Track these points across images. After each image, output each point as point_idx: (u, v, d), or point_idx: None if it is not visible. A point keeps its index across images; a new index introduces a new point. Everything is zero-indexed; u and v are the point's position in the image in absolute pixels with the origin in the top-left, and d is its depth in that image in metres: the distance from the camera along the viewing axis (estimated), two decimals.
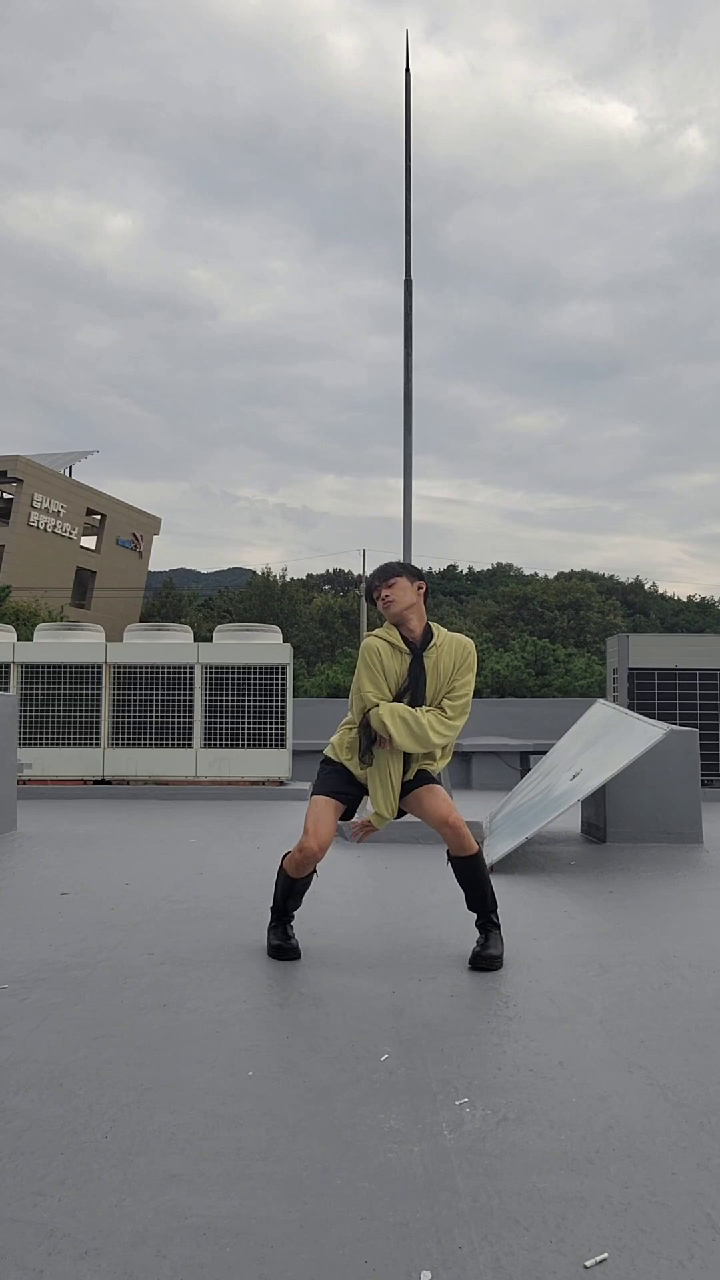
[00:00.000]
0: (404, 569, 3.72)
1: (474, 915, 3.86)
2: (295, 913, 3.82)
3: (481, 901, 3.64)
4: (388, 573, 3.70)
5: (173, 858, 5.75)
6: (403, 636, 3.64)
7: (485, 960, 3.50)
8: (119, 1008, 3.01)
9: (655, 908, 4.49)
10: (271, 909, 3.75)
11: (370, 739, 3.59)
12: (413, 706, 3.57)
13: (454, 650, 3.66)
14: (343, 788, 3.65)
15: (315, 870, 3.64)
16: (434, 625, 3.70)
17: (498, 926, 3.65)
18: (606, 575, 72.19)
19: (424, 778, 3.66)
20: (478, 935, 3.66)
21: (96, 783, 9.52)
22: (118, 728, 9.52)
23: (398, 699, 3.59)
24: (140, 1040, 2.73)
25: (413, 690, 3.60)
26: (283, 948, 3.59)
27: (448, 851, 3.63)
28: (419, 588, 3.68)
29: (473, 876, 3.62)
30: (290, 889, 3.66)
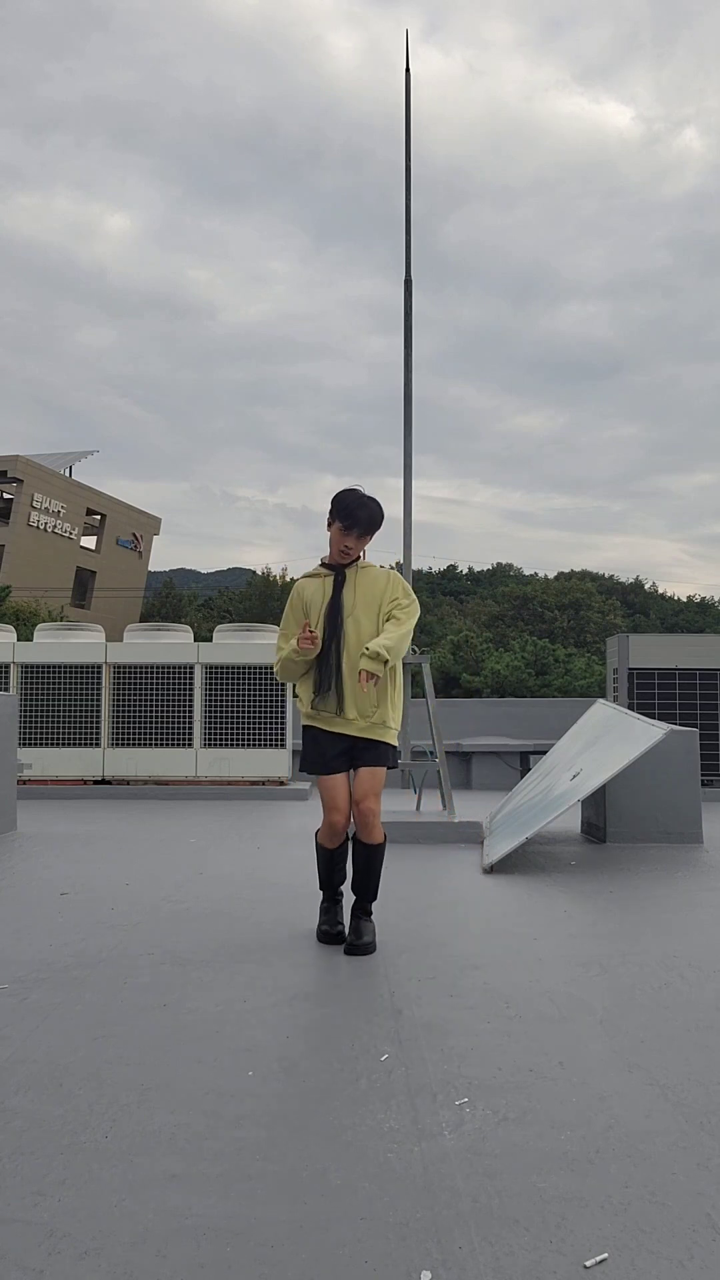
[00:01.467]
0: (378, 527, 3.83)
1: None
2: (343, 892, 4.01)
3: (365, 889, 3.81)
4: (373, 526, 3.80)
5: (173, 858, 5.75)
6: (324, 563, 3.87)
7: (359, 948, 3.67)
8: (119, 1008, 3.01)
9: (655, 908, 4.49)
10: (320, 887, 3.94)
11: (327, 678, 3.74)
12: (334, 616, 3.73)
13: (378, 576, 3.83)
14: (333, 750, 3.76)
15: (349, 838, 3.85)
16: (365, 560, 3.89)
17: (369, 915, 3.82)
18: (606, 575, 72.18)
19: (377, 757, 3.75)
20: (350, 922, 3.79)
21: (96, 783, 9.52)
22: (118, 728, 9.52)
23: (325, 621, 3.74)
24: (140, 1040, 2.73)
25: (334, 601, 3.74)
26: (329, 933, 3.78)
27: (353, 834, 3.82)
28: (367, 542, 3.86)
29: (367, 863, 3.80)
30: (330, 861, 3.88)
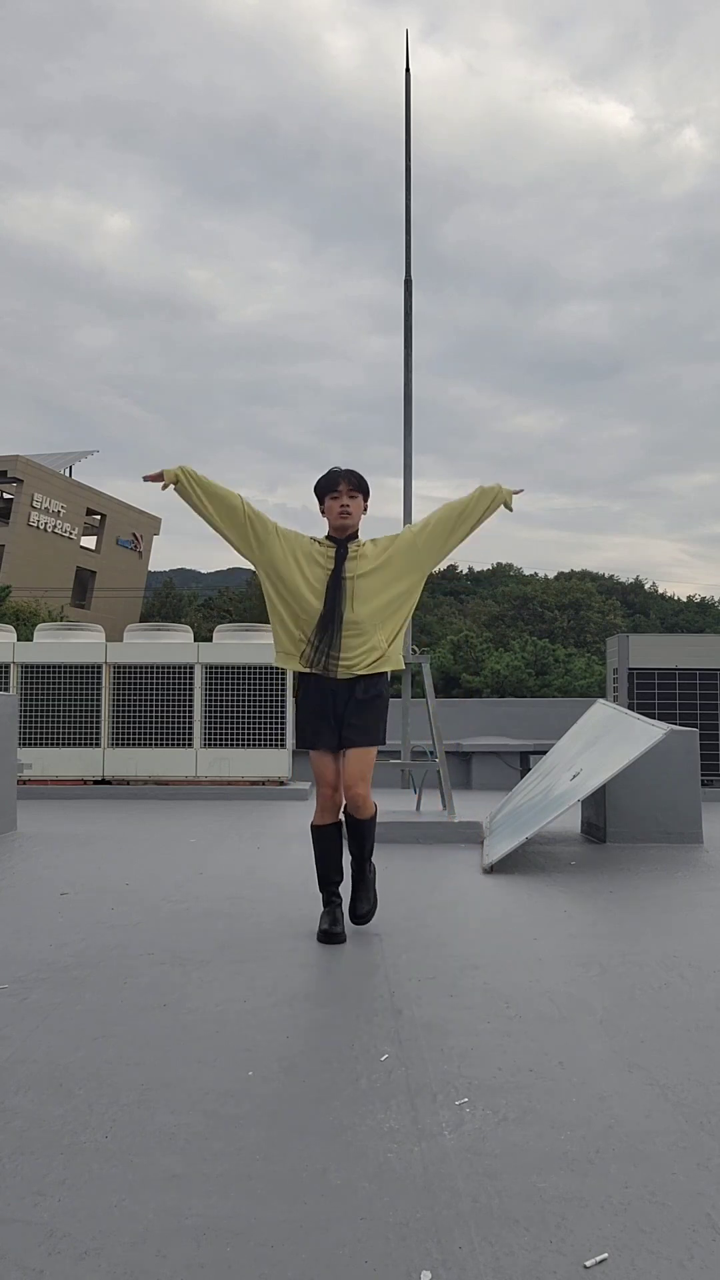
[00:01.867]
0: (367, 489, 3.89)
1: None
2: (342, 895, 4.05)
3: (359, 848, 3.95)
4: (361, 481, 3.87)
5: (173, 858, 5.75)
6: (329, 537, 3.89)
7: (359, 918, 3.89)
8: (119, 1008, 3.01)
9: (655, 908, 4.49)
10: (318, 887, 3.99)
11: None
12: (334, 593, 3.73)
13: (378, 545, 3.87)
14: (322, 718, 3.80)
15: (342, 821, 3.93)
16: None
17: (365, 878, 3.97)
18: (606, 575, 72.19)
19: (364, 736, 3.78)
20: (352, 883, 3.97)
21: (96, 783, 9.52)
22: (118, 728, 9.52)
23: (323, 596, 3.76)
24: (140, 1040, 2.73)
25: (335, 576, 3.76)
26: (329, 933, 3.79)
27: (344, 811, 3.93)
28: (365, 510, 3.92)
29: (359, 830, 3.93)
30: (323, 844, 3.95)
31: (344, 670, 3.76)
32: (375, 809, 3.94)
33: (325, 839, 3.96)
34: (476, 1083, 2.44)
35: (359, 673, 3.77)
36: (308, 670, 3.80)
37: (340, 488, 3.80)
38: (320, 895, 4.02)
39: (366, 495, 3.90)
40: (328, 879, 3.97)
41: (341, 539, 3.85)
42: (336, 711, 3.80)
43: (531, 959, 3.58)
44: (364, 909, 3.91)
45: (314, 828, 3.97)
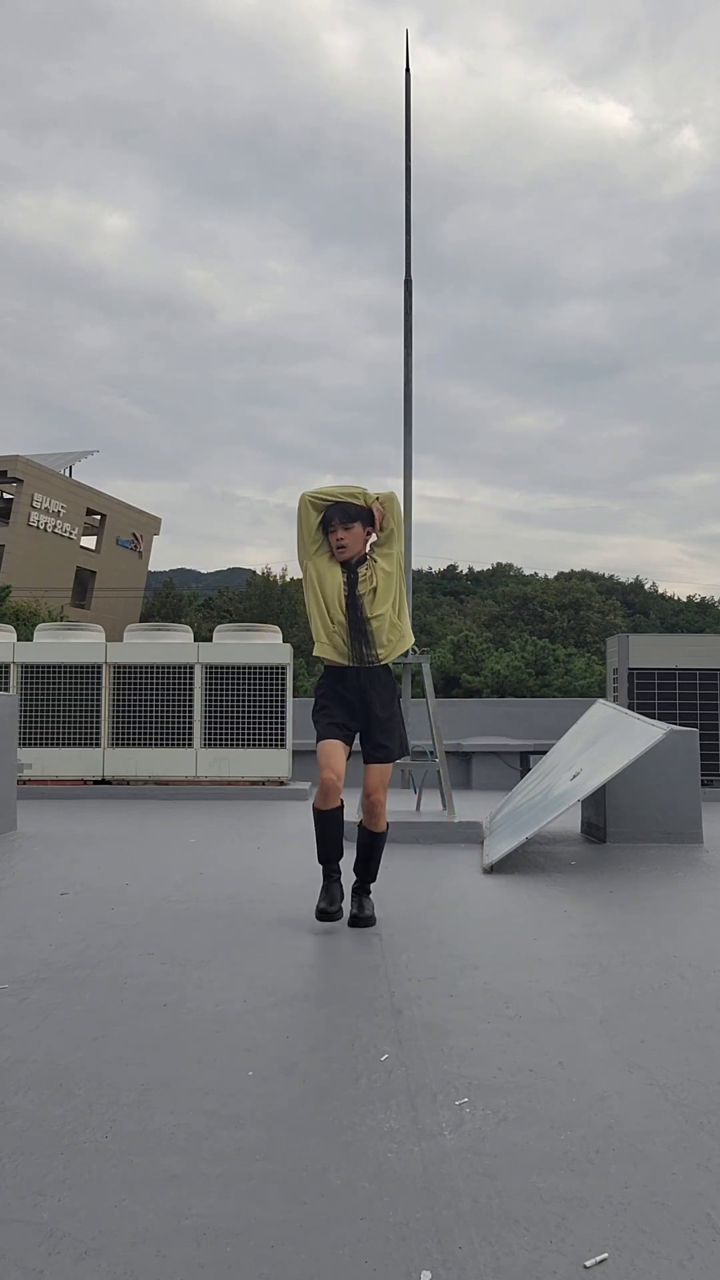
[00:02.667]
0: (363, 514, 4.03)
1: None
2: (343, 876, 4.16)
3: (365, 872, 4.18)
4: (349, 515, 4.02)
5: (173, 858, 5.76)
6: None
7: (363, 920, 4.05)
8: (119, 1008, 3.01)
9: (655, 908, 4.49)
10: (318, 861, 4.10)
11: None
12: (354, 611, 3.97)
13: (377, 564, 4.05)
14: (341, 721, 4.03)
15: (343, 803, 4.04)
16: (372, 558, 4.07)
17: (369, 893, 4.20)
18: (606, 575, 72.23)
19: (386, 754, 4.06)
20: (352, 899, 4.15)
21: (96, 783, 9.52)
22: (118, 728, 9.52)
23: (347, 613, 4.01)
24: (140, 1040, 2.73)
25: (351, 597, 3.97)
26: (327, 911, 3.94)
27: (360, 822, 4.14)
28: (368, 533, 4.06)
29: (370, 848, 4.15)
30: (324, 826, 4.05)
31: (382, 656, 4.03)
32: (387, 826, 4.18)
33: (327, 821, 4.05)
34: (476, 1083, 2.44)
35: (387, 655, 4.04)
36: (345, 664, 4.01)
37: (334, 524, 4.02)
38: (320, 869, 4.12)
39: (366, 519, 4.03)
40: (328, 857, 4.07)
41: (349, 563, 4.06)
42: (355, 715, 4.04)
43: (531, 959, 3.58)
44: (366, 913, 4.08)
45: (316, 810, 4.06)
